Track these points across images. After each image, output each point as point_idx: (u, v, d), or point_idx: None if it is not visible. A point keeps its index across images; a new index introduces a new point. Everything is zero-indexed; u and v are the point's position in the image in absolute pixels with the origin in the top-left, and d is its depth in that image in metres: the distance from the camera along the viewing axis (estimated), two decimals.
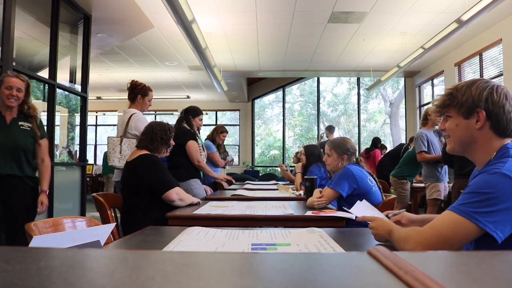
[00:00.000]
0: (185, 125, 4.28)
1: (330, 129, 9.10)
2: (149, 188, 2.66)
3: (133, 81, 3.87)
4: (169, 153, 3.04)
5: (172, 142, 3.00)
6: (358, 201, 2.28)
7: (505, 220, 1.23)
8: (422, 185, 5.37)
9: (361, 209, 2.16)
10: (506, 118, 1.41)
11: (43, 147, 3.14)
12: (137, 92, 3.80)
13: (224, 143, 5.80)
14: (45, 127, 3.33)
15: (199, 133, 4.95)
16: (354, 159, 3.07)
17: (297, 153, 6.74)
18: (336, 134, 16.27)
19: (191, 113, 4.38)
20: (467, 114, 1.43)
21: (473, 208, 1.26)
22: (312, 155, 4.52)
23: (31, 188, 3.10)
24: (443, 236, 1.28)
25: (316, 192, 2.97)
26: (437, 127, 5.00)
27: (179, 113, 4.96)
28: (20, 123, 3.03)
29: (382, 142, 9.26)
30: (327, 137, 9.09)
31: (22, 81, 2.98)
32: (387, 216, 1.87)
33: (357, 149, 3.19)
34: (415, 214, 1.82)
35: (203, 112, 4.67)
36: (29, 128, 3.05)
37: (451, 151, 1.54)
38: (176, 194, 2.68)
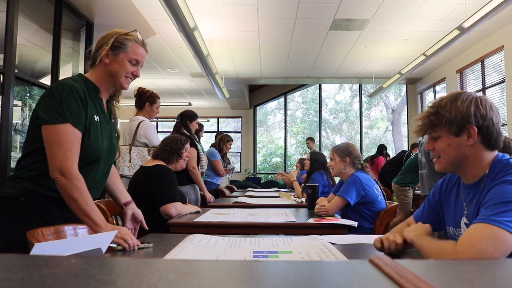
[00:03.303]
0: (184, 131, 4.26)
1: (311, 139, 9.33)
2: (154, 196, 2.67)
3: (140, 88, 3.80)
4: (185, 165, 3.10)
5: (186, 154, 3.04)
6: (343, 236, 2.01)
7: None
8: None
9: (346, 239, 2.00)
10: (496, 130, 1.37)
11: None
12: (145, 100, 3.75)
13: (225, 152, 5.80)
14: None
15: (199, 139, 4.96)
16: (359, 165, 3.06)
17: (300, 159, 6.74)
18: (338, 141, 16.33)
19: (188, 118, 4.35)
20: (458, 132, 1.37)
21: (510, 218, 1.19)
22: (316, 161, 4.53)
23: None
24: (485, 253, 1.16)
25: (321, 200, 2.98)
26: None
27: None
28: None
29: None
30: (308, 148, 9.24)
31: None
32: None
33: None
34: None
35: (206, 119, 4.65)
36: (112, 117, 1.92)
37: (442, 171, 1.47)
38: (175, 209, 2.64)
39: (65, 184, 1.54)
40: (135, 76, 1.83)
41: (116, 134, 1.92)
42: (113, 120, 1.89)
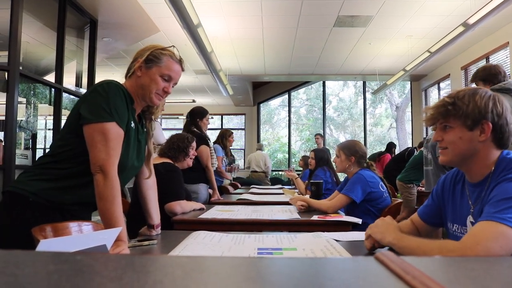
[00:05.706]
0: (195, 129, 4.16)
1: (320, 135, 9.39)
2: (160, 193, 2.67)
3: None
4: (192, 164, 3.11)
5: (193, 152, 3.05)
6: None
7: None
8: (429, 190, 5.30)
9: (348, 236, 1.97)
10: (509, 130, 1.36)
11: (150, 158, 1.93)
12: None
13: (229, 147, 5.75)
14: (52, 131, 2.79)
15: None
16: (364, 163, 3.05)
17: (303, 156, 6.73)
18: (342, 138, 16.30)
19: (198, 116, 4.25)
20: (472, 126, 1.35)
21: None
22: (321, 159, 4.52)
23: None
24: (492, 252, 1.14)
25: (300, 197, 3.04)
26: None
27: (184, 117, 4.91)
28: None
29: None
30: (317, 143, 9.25)
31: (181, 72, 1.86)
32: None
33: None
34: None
35: (210, 116, 4.55)
36: (145, 131, 1.87)
37: (446, 163, 1.44)
38: (180, 207, 2.64)
39: (103, 181, 1.51)
40: (166, 92, 1.77)
41: (146, 152, 1.86)
42: (145, 135, 1.83)
